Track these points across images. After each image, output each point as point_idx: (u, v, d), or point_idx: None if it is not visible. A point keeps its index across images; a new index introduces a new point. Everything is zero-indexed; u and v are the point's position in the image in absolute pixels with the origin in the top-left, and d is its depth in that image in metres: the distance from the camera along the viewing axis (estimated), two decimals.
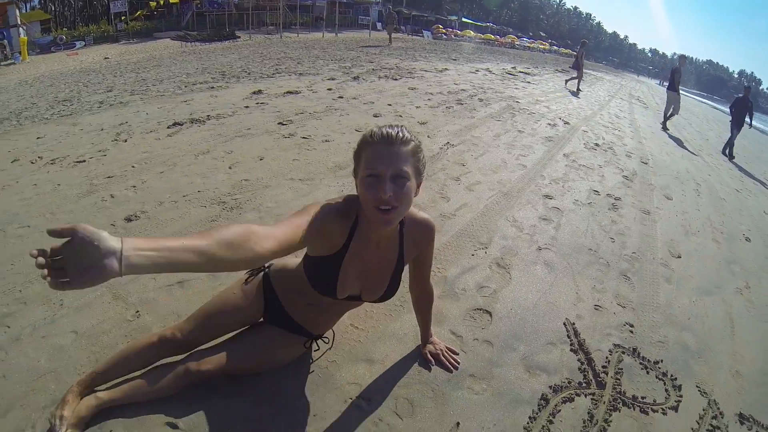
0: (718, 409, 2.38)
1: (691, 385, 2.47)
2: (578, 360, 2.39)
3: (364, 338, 2.27)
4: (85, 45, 26.31)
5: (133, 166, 4.54)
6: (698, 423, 2.24)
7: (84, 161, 4.80)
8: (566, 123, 7.61)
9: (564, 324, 2.64)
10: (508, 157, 5.17)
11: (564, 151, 5.87)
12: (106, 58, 19.54)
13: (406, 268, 1.71)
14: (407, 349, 2.25)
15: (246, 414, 1.87)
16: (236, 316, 1.88)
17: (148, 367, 1.89)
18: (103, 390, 1.82)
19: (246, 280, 1.94)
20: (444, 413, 1.94)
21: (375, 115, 6.30)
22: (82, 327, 2.31)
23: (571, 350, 2.45)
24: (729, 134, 9.79)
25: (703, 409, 2.34)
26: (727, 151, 9.53)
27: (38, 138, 5.93)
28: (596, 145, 6.53)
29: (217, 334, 1.88)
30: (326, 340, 2.08)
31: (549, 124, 7.29)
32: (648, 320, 2.89)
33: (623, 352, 2.55)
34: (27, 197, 3.89)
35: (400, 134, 1.27)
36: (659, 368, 2.51)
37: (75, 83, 11.57)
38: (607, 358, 2.47)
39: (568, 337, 2.55)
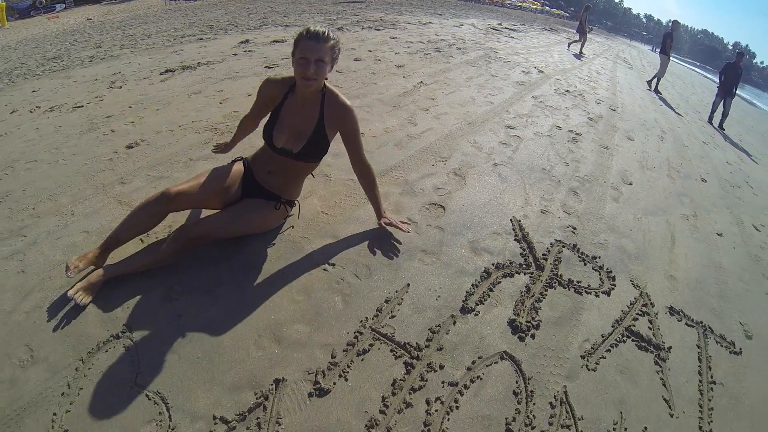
0: (650, 300, 2.75)
1: (625, 279, 2.88)
2: (521, 248, 2.82)
3: (332, 221, 2.73)
4: (65, 7, 25.67)
5: (130, 107, 4.87)
6: (628, 308, 2.62)
7: (82, 106, 5.09)
8: (541, 72, 7.81)
9: (510, 220, 3.06)
10: (477, 96, 5.48)
11: (533, 93, 6.09)
12: (88, 19, 19.26)
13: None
14: (368, 230, 2.70)
15: (231, 276, 2.31)
16: (222, 183, 2.24)
17: (150, 244, 2.34)
18: (112, 264, 2.26)
19: (233, 161, 2.43)
20: (396, 276, 2.39)
21: (355, 60, 6.58)
22: (92, 227, 2.71)
23: (515, 240, 2.87)
24: (713, 100, 9.48)
25: (635, 298, 2.71)
26: (713, 120, 9.35)
27: (33, 91, 6.14)
28: (567, 91, 6.74)
29: (205, 196, 2.30)
30: (294, 204, 2.56)
31: (523, 72, 7.52)
32: (590, 226, 3.30)
33: (563, 246, 2.96)
34: (30, 139, 4.21)
35: (325, 33, 1.87)
36: (596, 262, 2.93)
37: (61, 43, 11.60)
38: (547, 249, 2.88)
39: (513, 230, 2.98)
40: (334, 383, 1.89)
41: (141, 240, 2.49)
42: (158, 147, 3.75)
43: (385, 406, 1.83)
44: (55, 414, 1.76)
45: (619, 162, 4.48)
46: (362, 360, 1.99)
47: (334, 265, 2.41)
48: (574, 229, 3.13)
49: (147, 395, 1.84)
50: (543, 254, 2.75)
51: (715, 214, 4.40)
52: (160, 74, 5.75)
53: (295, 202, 2.43)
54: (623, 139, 5.23)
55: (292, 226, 2.54)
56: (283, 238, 2.46)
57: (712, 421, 2.17)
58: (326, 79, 2.03)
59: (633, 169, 4.43)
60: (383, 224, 2.49)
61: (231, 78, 5.41)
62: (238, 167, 2.27)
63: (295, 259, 2.45)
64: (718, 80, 9.57)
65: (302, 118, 2.11)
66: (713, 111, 9.39)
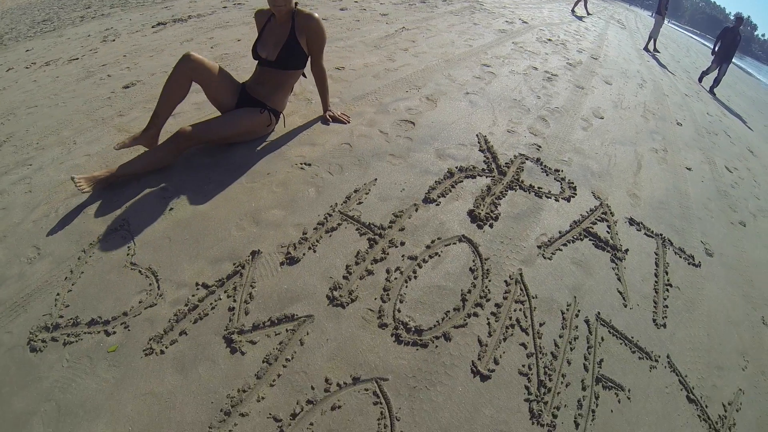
0: (610, 210, 2.94)
1: (586, 190, 3.06)
2: (484, 157, 3.02)
3: (311, 133, 2.96)
4: None
5: (124, 56, 5.04)
6: (588, 213, 2.82)
7: (77, 59, 5.25)
8: (525, 23, 7.75)
9: (476, 135, 3.26)
10: (456, 39, 5.59)
11: (514, 40, 6.13)
12: None
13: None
14: (343, 139, 2.92)
15: (218, 176, 2.54)
16: (229, 77, 2.62)
17: (149, 150, 2.55)
18: (119, 166, 2.47)
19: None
20: (365, 173, 2.62)
21: (341, 9, 6.67)
22: (93, 151, 2.93)
23: (479, 150, 3.07)
24: (708, 65, 9.14)
25: (595, 207, 2.90)
26: (702, 80, 9.11)
27: (27, 51, 6.27)
28: (549, 40, 6.70)
29: (216, 78, 2.57)
30: (278, 114, 2.81)
31: (507, 22, 7.50)
32: (556, 147, 3.48)
33: (527, 159, 3.16)
34: (29, 90, 4.39)
35: None
36: (558, 174, 3.12)
37: (49, 8, 11.59)
38: (511, 159, 3.08)
39: (479, 143, 3.18)
40: (304, 254, 2.12)
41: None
42: (153, 85, 3.94)
43: (348, 273, 2.06)
44: (58, 294, 2.01)
45: (593, 100, 4.55)
46: (330, 236, 2.22)
47: (310, 165, 2.65)
48: (539, 146, 3.31)
49: (140, 271, 2.08)
50: (506, 163, 2.94)
51: (686, 153, 4.55)
52: (152, 27, 5.89)
53: (280, 114, 2.66)
54: (600, 82, 5.27)
55: (276, 138, 2.75)
56: (266, 146, 2.70)
57: (666, 317, 2.38)
58: (296, 3, 2.55)
59: (606, 107, 4.53)
60: (327, 116, 3.01)
61: (221, 27, 5.57)
62: (238, 82, 2.60)
63: (276, 161, 2.68)
64: (713, 47, 9.28)
65: (278, 33, 2.58)
66: (706, 73, 9.16)
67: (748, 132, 7.35)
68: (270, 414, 1.61)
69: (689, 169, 4.20)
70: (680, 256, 2.88)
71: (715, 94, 9.20)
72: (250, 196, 2.46)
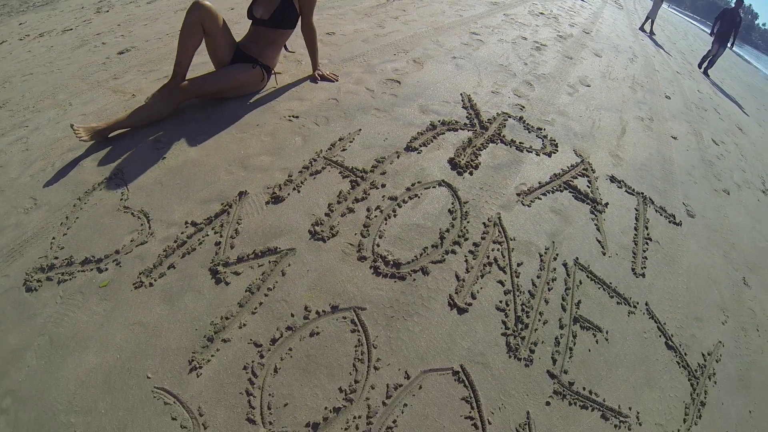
0: (591, 167, 3.01)
1: (568, 148, 3.13)
2: (467, 113, 3.09)
3: (299, 89, 3.04)
4: None
5: (118, 25, 5.07)
6: (569, 168, 2.89)
7: (71, 29, 5.28)
8: None
9: (461, 94, 3.33)
10: (447, 10, 5.61)
11: (505, 12, 6.14)
12: None
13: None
14: (330, 95, 2.99)
15: (210, 128, 2.61)
16: (229, 32, 2.70)
17: (145, 104, 2.63)
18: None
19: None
20: (350, 124, 2.69)
21: None
22: (89, 111, 2.99)
23: (463, 108, 3.14)
24: (707, 49, 8.99)
25: (576, 163, 2.98)
26: (703, 66, 8.90)
27: (20, 24, 6.26)
28: (541, 13, 6.65)
29: (221, 30, 2.66)
30: (270, 70, 2.89)
31: None
32: (540, 108, 3.55)
33: (509, 117, 3.23)
34: (23, 60, 4.43)
35: None
36: (541, 132, 3.19)
37: None
38: (493, 116, 3.14)
39: (462, 101, 3.25)
40: (288, 194, 2.21)
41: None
42: (148, 51, 3.99)
43: (330, 211, 2.14)
44: (54, 238, 2.09)
45: (581, 70, 4.59)
46: (314, 179, 2.31)
47: (297, 117, 2.74)
48: (523, 107, 3.39)
49: (132, 213, 2.16)
50: (488, 119, 3.02)
51: (672, 123, 4.61)
52: None
53: (272, 71, 2.76)
54: (590, 54, 5.29)
55: (266, 94, 2.85)
56: (257, 101, 2.80)
57: (645, 268, 2.46)
58: None
59: (594, 76, 4.56)
60: (316, 75, 3.12)
61: None
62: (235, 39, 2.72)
63: (266, 114, 2.77)
64: (712, 28, 9.16)
65: None
66: (707, 57, 8.99)
67: (739, 112, 7.39)
68: (251, 340, 1.70)
69: (675, 138, 4.25)
70: (661, 214, 2.95)
71: (708, 75, 9.16)
72: (240, 144, 2.53)
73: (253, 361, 1.64)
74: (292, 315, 1.77)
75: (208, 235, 2.04)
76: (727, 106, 7.06)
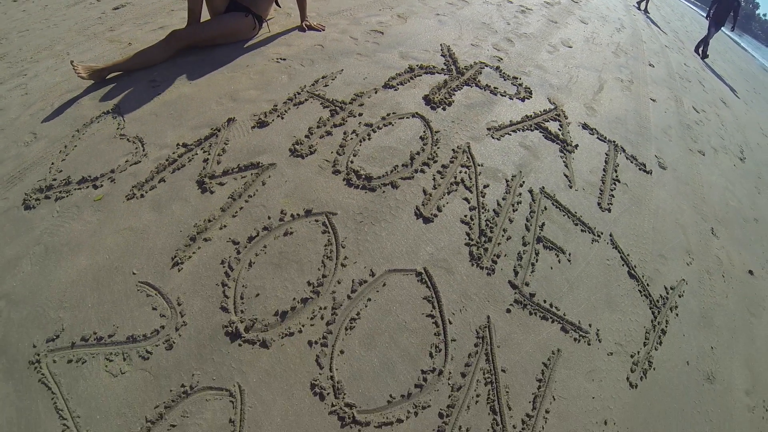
0: (564, 113, 3.16)
1: (542, 96, 3.26)
2: (445, 61, 3.26)
3: (288, 37, 3.27)
4: None
5: None
6: (541, 112, 3.04)
7: None
8: None
9: (440, 45, 3.50)
10: None
11: None
12: None
13: None
14: (316, 42, 3.18)
15: (202, 69, 2.79)
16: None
17: (143, 48, 2.80)
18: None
19: None
20: (333, 65, 2.87)
21: None
22: (86, 58, 3.15)
23: (441, 56, 3.30)
24: (704, 32, 8.70)
25: (549, 109, 3.13)
26: (700, 50, 8.60)
27: None
28: None
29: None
30: (262, 20, 3.08)
31: None
32: (518, 62, 3.69)
33: (486, 65, 3.39)
34: (19, 18, 4.54)
35: None
36: (517, 81, 3.33)
37: None
38: (470, 65, 3.31)
39: (441, 50, 3.40)
40: (273, 120, 2.40)
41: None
42: (143, 6, 4.17)
43: (310, 133, 2.33)
44: (52, 163, 2.27)
45: (564, 33, 4.64)
46: (297, 108, 2.49)
47: (285, 59, 2.93)
48: (501, 59, 3.54)
49: (128, 139, 2.35)
50: (465, 67, 3.19)
51: (653, 88, 4.72)
52: None
53: (263, 20, 2.96)
54: (576, 20, 5.28)
55: (256, 42, 3.06)
56: (247, 47, 3.02)
57: (611, 204, 2.61)
58: None
59: (576, 39, 4.62)
60: (304, 26, 3.29)
61: None
62: None
63: (255, 57, 2.96)
64: (708, 10, 8.91)
65: None
66: (707, 43, 8.64)
67: (726, 88, 7.45)
68: (230, 238, 1.89)
69: (653, 100, 4.37)
70: (632, 162, 3.09)
71: (707, 56, 9.06)
72: (230, 81, 2.72)
73: (230, 257, 1.82)
74: (269, 218, 1.95)
75: (197, 154, 2.22)
76: (713, 82, 7.08)
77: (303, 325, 1.67)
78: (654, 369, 2.00)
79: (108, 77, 2.71)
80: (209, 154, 2.18)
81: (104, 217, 1.97)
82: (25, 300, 1.74)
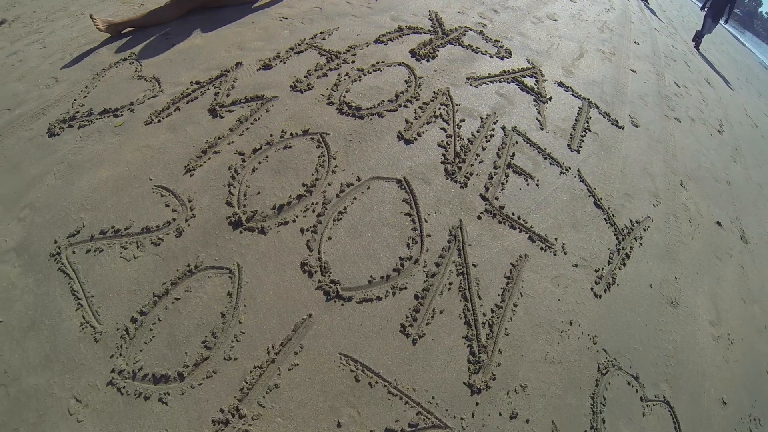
0: (541, 72, 3.45)
1: (522, 57, 3.52)
2: (432, 24, 3.56)
3: (290, 1, 3.55)
4: None
5: None
6: (519, 69, 3.32)
7: None
8: None
9: (429, 11, 3.81)
10: None
11: None
12: None
13: None
14: (315, 4, 3.52)
15: (212, 26, 3.12)
16: None
17: (156, 8, 3.12)
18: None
19: None
20: (330, 24, 3.20)
21: None
22: (101, 17, 3.51)
23: (429, 20, 3.59)
24: (701, 24, 8.29)
25: (527, 67, 3.41)
26: (693, 41, 8.20)
27: None
28: None
29: None
30: None
31: None
32: (501, 29, 3.94)
33: (470, 30, 3.68)
34: None
35: None
36: (498, 44, 3.62)
37: None
38: (455, 28, 3.60)
39: (429, 15, 3.70)
40: (276, 64, 2.72)
41: None
42: None
43: (308, 74, 2.65)
44: (75, 99, 2.56)
45: (551, 8, 4.88)
46: (298, 56, 2.82)
47: (287, 18, 3.26)
48: (485, 25, 3.83)
49: (145, 79, 2.67)
50: (450, 30, 3.50)
51: (635, 61, 4.95)
52: None
53: None
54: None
55: (261, 4, 3.39)
56: (253, 9, 3.31)
57: (581, 147, 2.89)
58: None
59: (563, 15, 4.83)
60: None
61: None
62: None
63: (260, 16, 3.31)
64: (702, 3, 8.65)
65: None
66: (701, 33, 8.26)
67: (712, 72, 7.61)
68: (236, 151, 2.20)
69: (633, 71, 4.61)
70: (604, 117, 3.35)
71: (699, 44, 8.76)
72: (237, 35, 3.05)
73: (236, 164, 2.13)
74: (271, 135, 2.27)
75: (208, 89, 2.55)
76: (700, 65, 7.14)
77: (297, 216, 1.97)
78: (618, 285, 2.26)
79: (123, 32, 3.01)
80: (219, 90, 2.50)
81: (124, 139, 2.27)
82: (49, 206, 2.01)
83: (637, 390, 1.96)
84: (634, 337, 2.11)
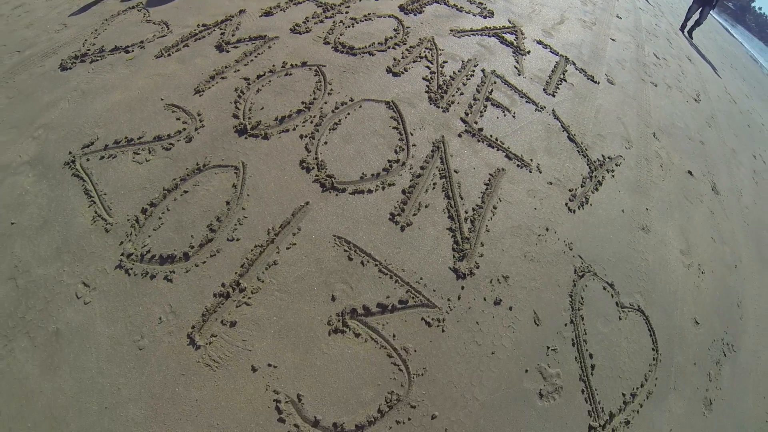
0: (521, 30, 3.67)
1: (503, 18, 3.74)
2: None
3: None
4: None
5: None
6: (500, 27, 3.57)
7: None
8: None
9: None
10: None
11: None
12: None
13: None
14: None
15: None
16: None
17: None
18: None
19: None
20: None
21: None
22: None
23: None
24: (689, 6, 7.78)
25: (507, 26, 3.65)
26: (686, 31, 7.75)
27: None
28: None
29: None
30: None
31: None
32: None
33: None
34: None
35: None
36: (482, 5, 3.82)
37: None
38: None
39: None
40: (276, 12, 2.98)
41: None
42: None
43: (306, 20, 2.91)
44: (86, 39, 2.80)
45: None
46: (297, 6, 3.10)
47: None
48: None
49: (154, 23, 2.92)
50: None
51: (616, 32, 5.18)
52: None
53: None
54: None
55: None
56: None
57: (556, 92, 3.14)
58: None
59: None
60: None
61: None
62: None
63: None
64: None
65: None
66: (687, 18, 7.82)
67: (695, 52, 7.78)
68: (242, 77, 2.46)
69: (613, 39, 4.87)
70: (581, 73, 3.60)
71: (692, 38, 7.97)
72: None
73: (241, 86, 2.39)
74: (273, 66, 2.53)
75: (214, 30, 2.81)
76: (683, 43, 7.27)
77: (296, 126, 2.24)
78: (591, 205, 2.50)
79: None
80: (225, 30, 2.76)
81: (135, 70, 2.52)
82: (63, 125, 2.23)
83: (612, 295, 2.18)
84: (608, 250, 2.32)
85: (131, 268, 1.74)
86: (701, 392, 2.15)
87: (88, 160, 2.07)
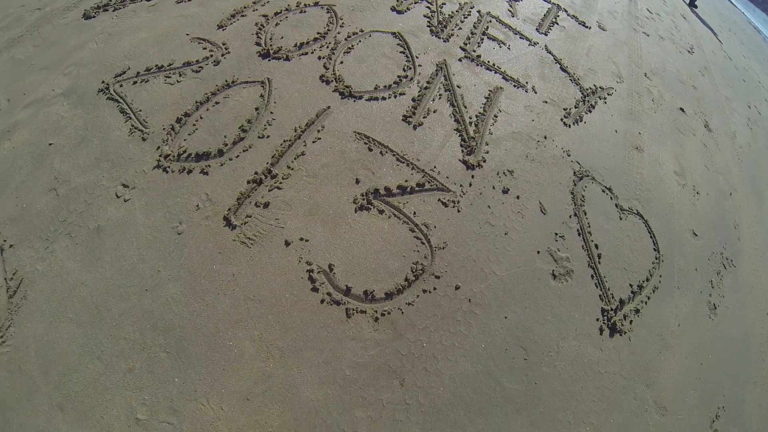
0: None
1: None
2: None
3: None
4: None
5: None
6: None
7: None
8: None
9: None
10: None
11: None
12: None
13: None
14: None
15: None
16: None
17: None
18: None
19: None
20: None
21: None
22: None
23: None
24: None
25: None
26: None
27: None
28: None
29: None
30: None
31: None
32: None
33: None
34: None
35: None
36: None
37: None
38: None
39: None
40: None
41: None
42: None
43: None
44: None
45: None
46: None
47: None
48: None
49: None
50: None
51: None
52: None
53: None
54: None
55: None
56: None
57: (548, 32, 3.34)
58: None
59: None
60: None
61: None
62: None
63: None
64: None
65: None
66: None
67: (689, 12, 7.80)
68: (261, 14, 2.68)
69: None
70: (573, 19, 3.78)
71: (696, 7, 7.55)
72: None
73: (261, 21, 2.61)
74: (288, 4, 2.75)
75: None
76: (679, 3, 7.34)
77: (314, 50, 2.46)
78: (585, 123, 2.69)
79: None
80: None
81: (158, 14, 2.72)
82: (93, 62, 2.43)
83: (611, 198, 2.36)
84: (604, 161, 2.51)
85: (168, 167, 1.93)
86: (705, 296, 2.28)
87: (121, 86, 2.27)
